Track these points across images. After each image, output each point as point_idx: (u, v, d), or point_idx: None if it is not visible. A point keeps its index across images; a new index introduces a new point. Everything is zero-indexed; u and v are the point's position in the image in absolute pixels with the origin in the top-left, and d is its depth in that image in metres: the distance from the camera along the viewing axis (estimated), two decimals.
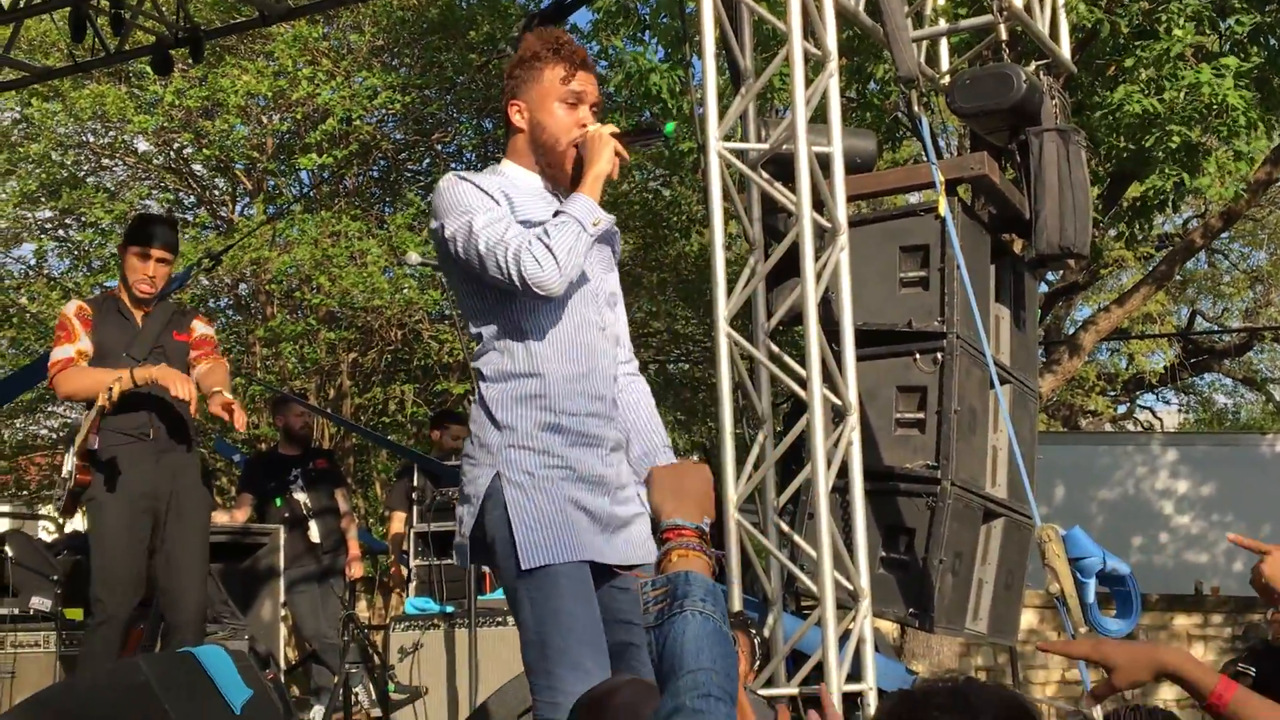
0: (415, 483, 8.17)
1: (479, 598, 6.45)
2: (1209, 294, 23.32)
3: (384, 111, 14.85)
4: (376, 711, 6.83)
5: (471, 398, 5.87)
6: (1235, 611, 12.27)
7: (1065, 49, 7.18)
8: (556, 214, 3.23)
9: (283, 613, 7.60)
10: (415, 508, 7.94)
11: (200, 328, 5.60)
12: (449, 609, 6.64)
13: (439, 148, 16.07)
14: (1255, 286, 23.04)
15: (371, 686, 7.01)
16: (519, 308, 3.24)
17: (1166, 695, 12.06)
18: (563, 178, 3.36)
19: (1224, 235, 20.67)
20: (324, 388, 15.01)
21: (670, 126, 3.55)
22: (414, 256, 6.06)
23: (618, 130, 3.34)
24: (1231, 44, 9.84)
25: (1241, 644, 11.72)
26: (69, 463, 5.23)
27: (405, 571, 7.89)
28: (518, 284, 3.14)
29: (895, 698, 1.59)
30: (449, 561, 7.69)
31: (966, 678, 1.68)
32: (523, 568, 3.10)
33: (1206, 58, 9.27)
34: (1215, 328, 23.40)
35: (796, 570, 5.25)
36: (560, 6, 6.91)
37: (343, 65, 14.52)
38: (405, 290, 13.81)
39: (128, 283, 5.42)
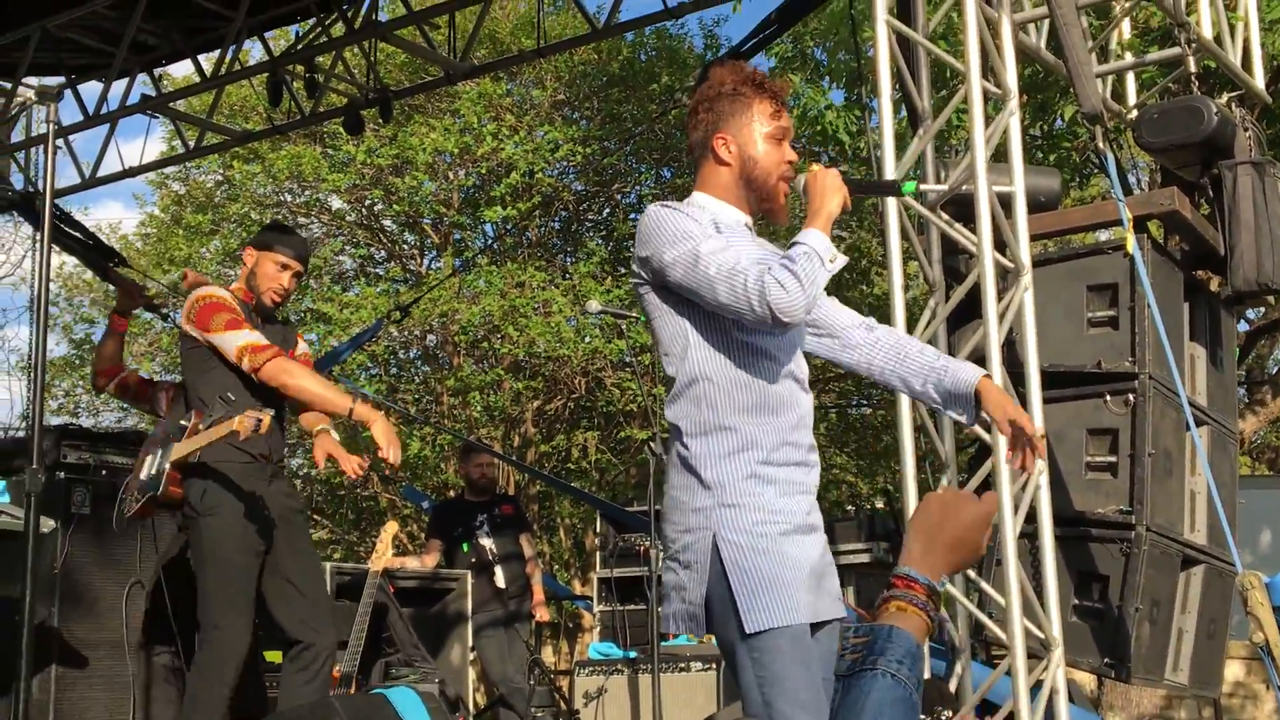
0: (598, 529, 8.25)
1: (662, 644, 6.47)
2: None
3: (565, 164, 15.14)
4: None
5: (654, 446, 5.89)
6: None
7: (1259, 79, 6.96)
8: (792, 245, 3.10)
9: (471, 657, 7.73)
10: (599, 554, 8.01)
11: (302, 345, 5.25)
12: (632, 654, 6.67)
13: (619, 198, 16.30)
14: None
15: None
16: (729, 354, 3.14)
17: None
18: (778, 213, 3.28)
19: None
20: (509, 435, 15.28)
21: (911, 186, 3.39)
22: (595, 305, 6.12)
23: (843, 174, 3.24)
24: None
25: None
26: (153, 467, 4.79)
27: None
28: (759, 310, 3.00)
29: None
30: (632, 607, 7.74)
31: None
32: (746, 631, 3.00)
33: None
34: None
35: (984, 617, 5.14)
36: (737, 54, 6.96)
37: (525, 120, 14.87)
38: (589, 339, 14.00)
39: (258, 289, 4.98)
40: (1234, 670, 11.64)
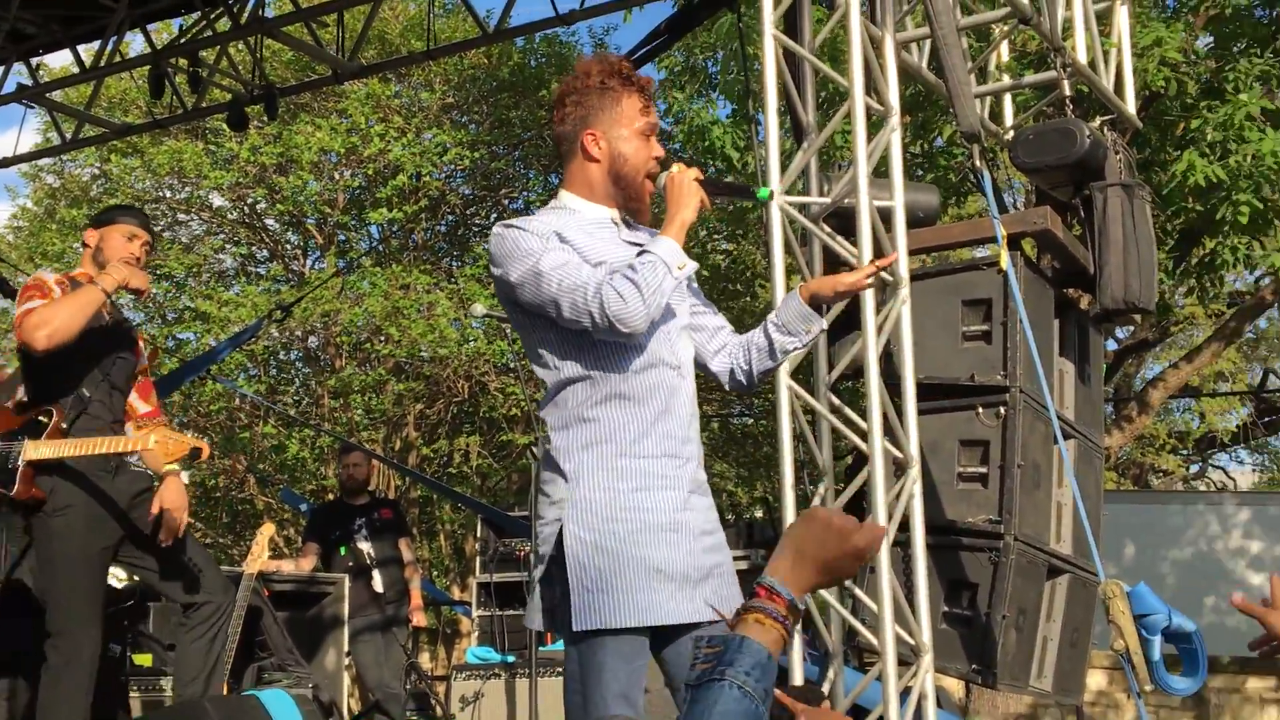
0: (478, 534, 8.23)
1: (540, 648, 6.47)
2: None
3: (453, 167, 15.09)
4: None
5: (535, 450, 5.92)
6: None
7: (1130, 105, 7.18)
8: (641, 254, 3.10)
9: (346, 662, 7.66)
10: (479, 559, 8.00)
11: (141, 342, 4.99)
12: (510, 659, 6.67)
13: (506, 203, 16.29)
14: None
15: None
16: (588, 352, 3.13)
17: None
18: (643, 210, 3.25)
19: None
20: (391, 439, 15.16)
21: (764, 191, 3.41)
22: (479, 309, 6.12)
23: (701, 176, 3.22)
24: None
25: None
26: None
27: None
28: (599, 322, 3.01)
29: None
30: (511, 612, 7.74)
31: None
32: (574, 629, 3.00)
33: (1277, 117, 9.20)
34: None
35: (857, 624, 5.23)
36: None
37: (414, 122, 14.79)
38: (473, 342, 13.96)
39: (109, 264, 4.66)
40: (1097, 679, 11.97)
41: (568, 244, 3.14)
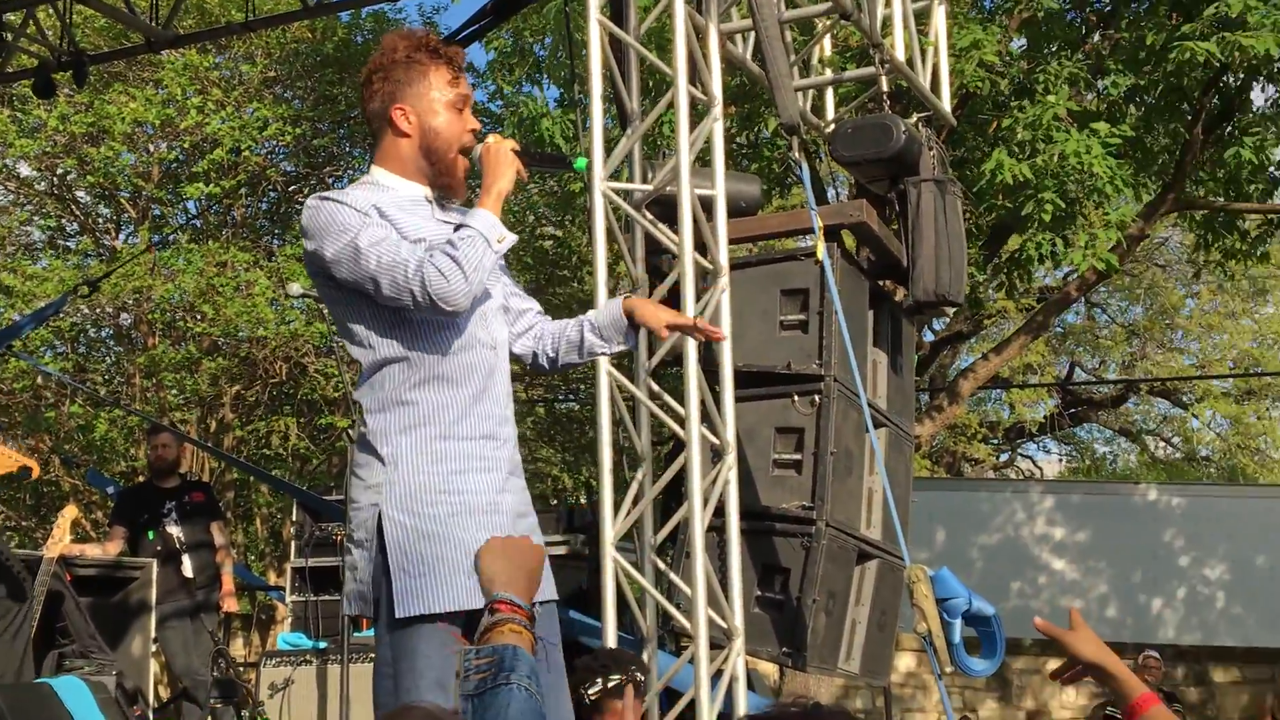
0: (295, 518, 8.09)
1: (354, 634, 6.38)
2: (1088, 346, 23.91)
3: (274, 143, 14.75)
4: None
5: (352, 433, 5.82)
6: None
7: (946, 103, 7.37)
8: (458, 229, 3.05)
9: (154, 648, 7.45)
10: (294, 543, 7.86)
11: None
12: (322, 645, 6.56)
13: (330, 181, 15.99)
14: (1132, 340, 23.67)
15: None
16: (404, 332, 3.07)
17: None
18: (456, 186, 3.20)
19: (1103, 290, 21.28)
20: (205, 420, 14.78)
21: (581, 162, 3.41)
22: (296, 287, 6.01)
23: (518, 147, 3.18)
24: (1108, 104, 10.16)
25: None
26: None
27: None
28: (421, 300, 2.96)
29: None
30: (326, 598, 7.62)
31: (815, 703, 1.68)
32: (396, 614, 2.95)
33: (1083, 118, 9.55)
34: (1093, 379, 23.99)
35: (671, 608, 5.28)
36: (451, 43, 6.92)
37: (233, 95, 14.41)
38: (292, 323, 13.67)
39: None
40: (906, 661, 12.31)
41: (386, 220, 3.07)
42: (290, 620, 7.60)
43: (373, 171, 3.24)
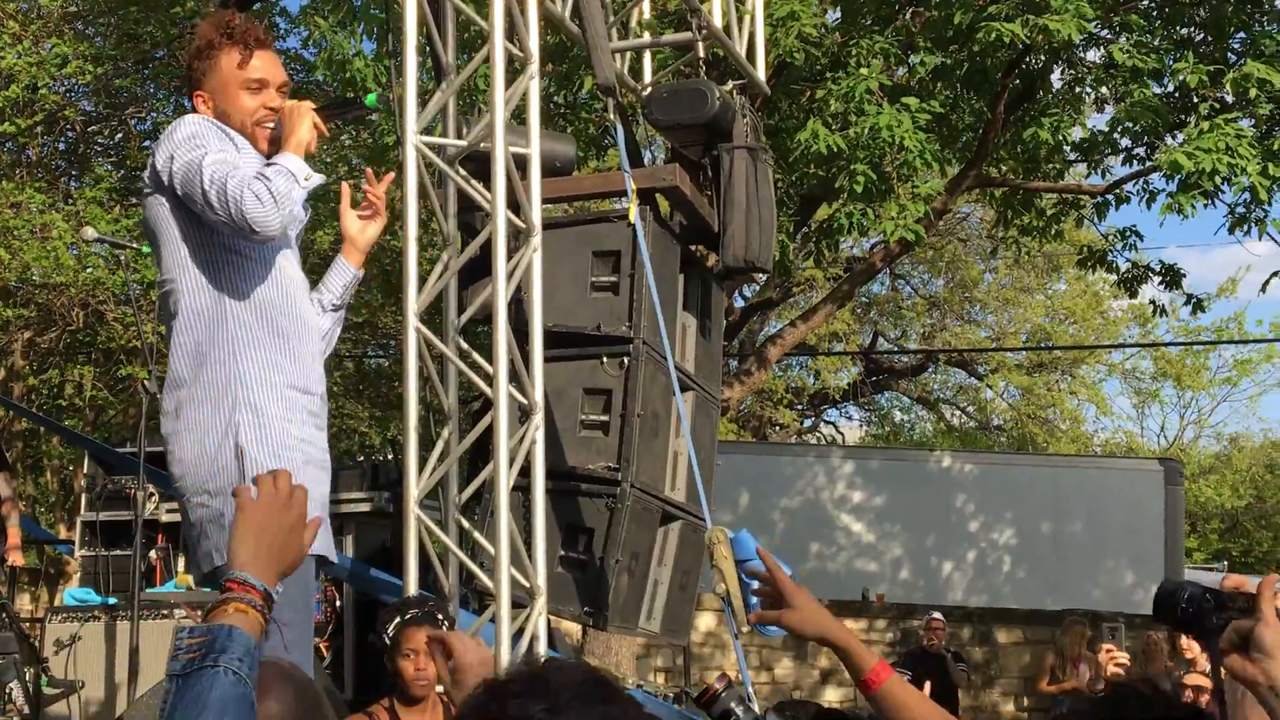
0: (86, 470, 7.82)
1: (146, 590, 6.21)
2: (891, 317, 24.58)
3: (74, 81, 14.14)
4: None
5: (148, 385, 5.66)
6: (897, 618, 12.97)
7: (761, 72, 7.46)
8: (269, 164, 3.24)
9: None
10: (85, 496, 7.61)
11: None
12: (112, 601, 6.37)
13: (133, 123, 15.41)
14: (933, 312, 24.42)
15: (19, 686, 6.64)
16: (231, 282, 3.25)
17: (831, 697, 12.64)
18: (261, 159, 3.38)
19: (907, 262, 21.88)
20: None
21: (372, 98, 3.61)
22: (90, 231, 5.77)
23: (315, 105, 3.38)
24: (916, 81, 10.43)
25: (901, 648, 12.40)
26: None
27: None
28: (236, 220, 3.12)
29: (480, 688, 1.58)
30: (117, 553, 7.40)
31: (550, 659, 1.68)
32: None
33: (894, 92, 9.77)
34: (895, 349, 24.69)
35: (474, 567, 5.27)
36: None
37: (31, 30, 13.74)
38: (91, 270, 13.17)
39: None
40: (707, 620, 12.53)
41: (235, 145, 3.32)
42: (80, 576, 7.35)
43: None
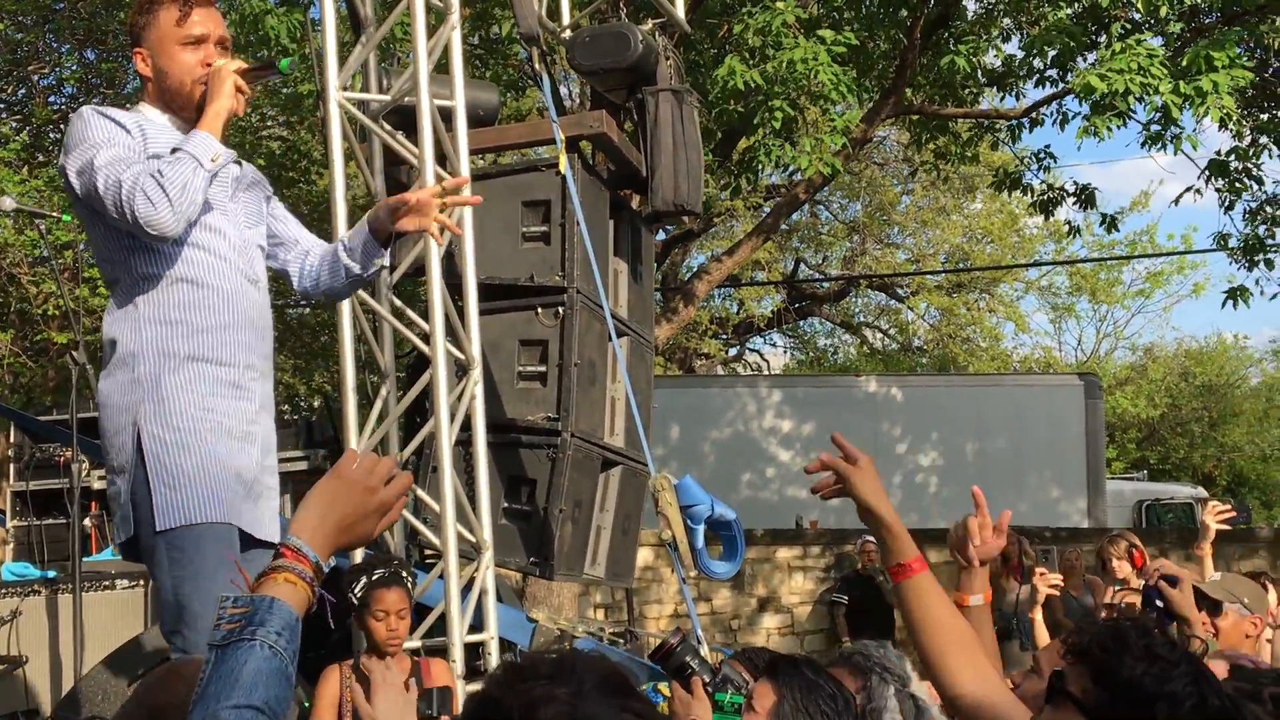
0: (13, 439, 7.69)
1: (85, 559, 6.15)
2: (811, 244, 24.71)
3: None
4: None
5: (77, 356, 5.58)
6: (831, 544, 13.15)
7: (680, 9, 7.41)
8: (173, 151, 3.19)
9: None
10: (13, 465, 7.49)
11: None
12: (51, 574, 6.29)
13: (36, 79, 15.00)
14: (853, 236, 24.57)
15: None
16: (156, 255, 3.20)
17: (770, 624, 12.83)
18: (195, 120, 3.34)
19: (825, 188, 21.97)
20: None
21: (285, 63, 3.57)
22: (9, 201, 5.63)
23: (243, 66, 3.36)
24: (832, 9, 10.42)
25: (836, 573, 12.60)
26: None
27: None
28: (131, 223, 3.09)
29: (503, 668, 1.63)
30: (50, 521, 7.31)
31: (573, 649, 1.73)
32: (157, 528, 3.06)
33: (809, 25, 9.76)
34: (817, 275, 24.85)
35: (419, 524, 5.28)
36: None
37: None
38: None
39: None
40: (644, 556, 12.62)
41: (145, 136, 3.25)
42: (13, 547, 7.24)
43: (139, 106, 3.43)
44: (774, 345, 27.54)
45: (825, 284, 24.35)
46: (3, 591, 6.23)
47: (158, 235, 3.11)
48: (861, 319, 26.82)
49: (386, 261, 3.61)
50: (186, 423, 3.13)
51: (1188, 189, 11.54)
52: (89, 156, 3.16)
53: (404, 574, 4.34)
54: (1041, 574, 6.28)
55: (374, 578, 4.21)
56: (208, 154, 3.19)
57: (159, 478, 3.08)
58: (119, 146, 3.18)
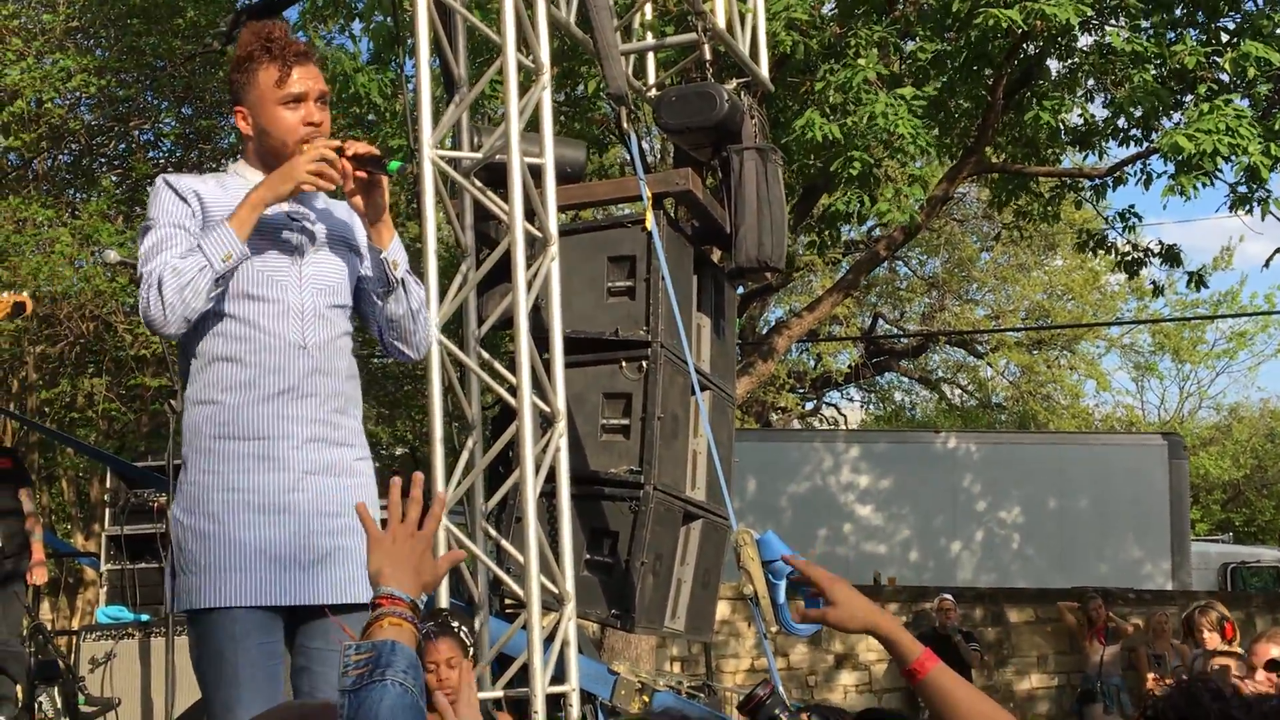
0: (108, 484, 7.89)
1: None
2: (889, 298, 24.65)
3: (78, 94, 14.16)
4: None
5: (175, 405, 5.73)
6: (909, 600, 13.07)
7: (764, 68, 7.52)
8: (196, 246, 3.13)
9: None
10: (108, 510, 7.68)
11: None
12: (144, 617, 6.44)
13: (136, 134, 15.43)
14: (931, 292, 24.49)
15: (58, 697, 6.73)
16: (199, 333, 3.18)
17: (846, 681, 12.75)
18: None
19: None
20: (8, 380, 14.21)
21: (394, 165, 3.40)
22: (112, 255, 5.83)
23: (338, 144, 3.23)
24: (915, 68, 10.48)
25: (913, 630, 12.51)
26: None
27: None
28: (144, 319, 3.13)
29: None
30: (143, 566, 7.48)
31: (671, 708, 1.79)
32: (176, 610, 3.22)
33: (891, 81, 9.83)
34: (895, 331, 24.76)
35: (502, 574, 5.35)
36: (270, 3, 6.79)
37: (34, 46, 13.77)
38: (94, 280, 13.19)
39: None
40: (721, 609, 12.61)
41: (203, 206, 3.19)
42: (106, 589, 7.42)
43: (236, 162, 3.40)
44: (851, 400, 27.46)
45: (903, 339, 24.26)
46: (98, 635, 6.40)
47: (158, 333, 3.15)
48: (940, 374, 26.66)
49: (394, 256, 3.43)
50: (209, 507, 3.11)
51: (1277, 250, 11.42)
52: (143, 240, 3.21)
53: (453, 624, 4.39)
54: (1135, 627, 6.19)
55: (423, 632, 4.26)
56: (219, 253, 3.09)
57: (177, 561, 3.15)
58: (166, 226, 3.16)
